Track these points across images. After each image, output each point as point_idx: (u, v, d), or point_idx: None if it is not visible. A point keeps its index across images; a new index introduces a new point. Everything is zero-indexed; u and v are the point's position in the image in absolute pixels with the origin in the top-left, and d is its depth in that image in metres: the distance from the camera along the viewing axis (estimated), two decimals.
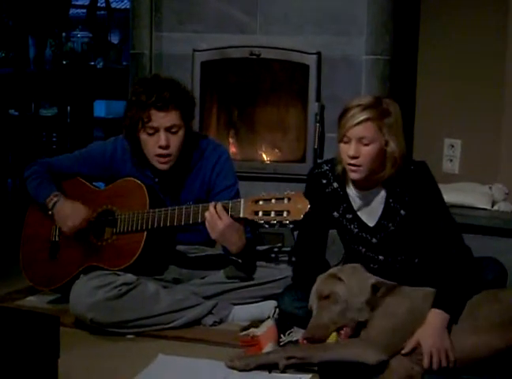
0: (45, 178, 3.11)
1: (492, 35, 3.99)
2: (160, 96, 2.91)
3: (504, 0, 3.95)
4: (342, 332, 2.48)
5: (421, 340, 2.41)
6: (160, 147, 2.94)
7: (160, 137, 2.93)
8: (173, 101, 2.93)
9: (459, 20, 4.07)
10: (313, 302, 2.55)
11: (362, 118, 2.57)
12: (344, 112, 2.61)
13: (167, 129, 2.94)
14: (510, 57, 3.95)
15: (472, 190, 3.88)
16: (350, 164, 2.61)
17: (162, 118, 2.93)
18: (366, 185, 2.70)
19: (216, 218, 2.75)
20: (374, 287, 2.53)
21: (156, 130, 2.94)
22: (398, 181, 2.68)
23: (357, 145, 2.59)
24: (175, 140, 2.96)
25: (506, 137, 3.99)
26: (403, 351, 2.40)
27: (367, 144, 2.59)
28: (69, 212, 3.01)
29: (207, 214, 2.77)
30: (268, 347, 2.63)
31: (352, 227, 2.76)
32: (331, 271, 2.59)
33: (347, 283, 2.50)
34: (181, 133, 2.97)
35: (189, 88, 3.20)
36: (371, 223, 2.74)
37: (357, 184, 2.71)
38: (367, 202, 2.73)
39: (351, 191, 2.74)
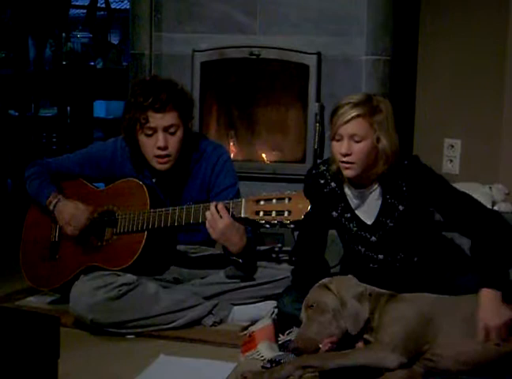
0: (45, 179, 3.11)
1: (492, 35, 3.99)
2: (157, 98, 2.91)
3: (504, 0, 3.95)
4: (326, 340, 2.43)
5: (487, 323, 2.39)
6: (159, 148, 2.95)
7: (159, 138, 2.94)
8: (170, 102, 2.93)
9: (459, 20, 4.07)
10: (302, 312, 2.52)
11: (352, 114, 2.57)
12: (335, 110, 2.62)
13: (165, 130, 2.94)
14: (511, 57, 3.95)
15: (472, 191, 3.84)
16: (343, 162, 2.62)
17: (160, 119, 2.93)
18: (360, 183, 2.71)
19: (216, 217, 2.75)
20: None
21: (154, 131, 2.94)
22: (393, 176, 2.69)
23: (349, 142, 2.59)
24: (174, 141, 2.96)
25: (506, 137, 3.99)
26: (479, 339, 2.38)
27: (358, 141, 2.59)
28: (71, 213, 3.01)
29: (208, 213, 2.76)
30: (262, 344, 2.63)
31: (351, 225, 2.76)
32: (322, 281, 2.55)
33: (336, 292, 2.48)
34: (179, 133, 2.98)
35: (188, 88, 3.20)
36: (369, 221, 2.74)
37: (352, 182, 2.71)
38: (363, 200, 2.73)
39: (347, 190, 2.75)
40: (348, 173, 2.64)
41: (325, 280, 2.54)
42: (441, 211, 2.69)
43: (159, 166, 3.00)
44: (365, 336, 2.47)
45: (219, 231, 2.75)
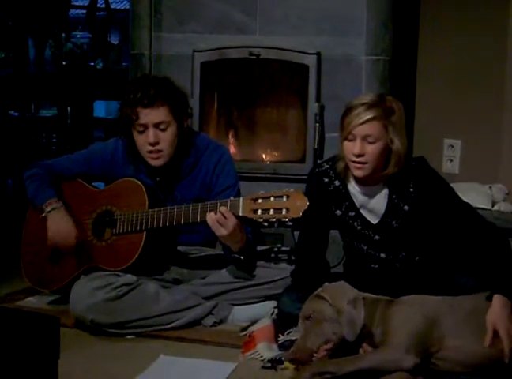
0: (45, 180, 3.10)
1: (492, 35, 3.99)
2: (145, 93, 2.92)
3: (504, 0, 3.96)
4: (322, 348, 2.44)
5: (497, 325, 2.41)
6: (150, 144, 2.95)
7: (149, 134, 2.95)
8: (159, 97, 2.93)
9: (459, 20, 4.07)
10: (299, 323, 2.52)
11: (367, 116, 2.57)
12: (348, 110, 2.61)
13: (156, 126, 2.95)
14: (511, 57, 3.95)
15: (472, 190, 3.88)
16: (355, 162, 2.62)
17: (149, 115, 2.94)
18: (368, 183, 2.71)
19: (223, 220, 2.74)
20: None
21: (146, 127, 2.95)
22: (400, 177, 2.69)
23: (362, 143, 2.59)
24: (165, 137, 2.96)
25: (506, 137, 4.00)
26: (486, 344, 2.39)
27: (372, 142, 2.59)
28: (58, 233, 3.00)
29: (212, 214, 2.75)
30: (262, 345, 2.64)
31: (355, 224, 2.76)
32: (316, 291, 2.54)
33: (330, 301, 2.47)
34: (171, 129, 2.98)
35: (188, 88, 3.19)
36: (374, 221, 2.74)
37: (359, 181, 2.71)
38: (369, 199, 2.73)
39: (352, 188, 2.74)
40: (358, 173, 2.64)
41: (318, 290, 2.54)
42: (442, 217, 2.70)
43: (152, 163, 3.00)
44: (364, 343, 2.47)
45: (227, 232, 2.75)
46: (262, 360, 2.60)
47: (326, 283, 2.57)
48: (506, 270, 2.52)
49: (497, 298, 2.46)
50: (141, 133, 2.97)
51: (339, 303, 2.47)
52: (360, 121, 2.57)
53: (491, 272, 2.53)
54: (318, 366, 2.39)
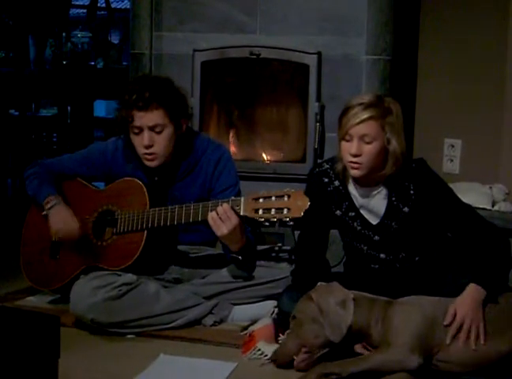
0: (45, 178, 3.11)
1: (492, 34, 3.99)
2: (139, 96, 2.92)
3: (504, 0, 3.96)
4: (303, 349, 2.47)
5: (457, 309, 2.46)
6: (145, 146, 2.95)
7: (144, 137, 2.95)
8: (154, 100, 2.92)
9: (459, 20, 4.07)
10: (290, 323, 2.54)
11: (364, 116, 2.57)
12: (346, 110, 2.61)
13: (151, 129, 2.95)
14: (511, 56, 3.95)
15: (473, 190, 3.87)
16: (351, 162, 2.62)
17: (143, 118, 2.93)
18: (367, 183, 2.71)
19: (225, 217, 2.74)
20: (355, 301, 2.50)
21: (141, 130, 2.95)
22: (400, 178, 2.69)
23: (359, 143, 2.59)
24: (160, 140, 2.96)
25: (507, 137, 3.99)
26: (445, 323, 2.44)
27: (369, 143, 2.59)
28: (62, 223, 3.00)
29: (214, 213, 2.75)
30: (261, 344, 2.64)
31: (355, 224, 2.76)
32: (308, 292, 2.55)
33: (316, 301, 2.48)
34: (166, 132, 2.97)
35: (188, 87, 3.19)
36: (374, 222, 2.74)
37: (358, 181, 2.71)
38: (368, 200, 2.73)
39: (352, 189, 2.75)
40: (355, 173, 2.64)
41: (311, 290, 2.54)
42: (443, 219, 2.70)
43: (147, 164, 3.01)
44: (363, 343, 2.47)
45: (227, 231, 2.75)
46: (265, 356, 2.60)
47: (319, 283, 2.57)
48: (494, 265, 2.55)
49: (471, 287, 2.50)
50: (136, 134, 2.97)
51: (323, 304, 2.46)
52: (357, 120, 2.57)
53: (478, 265, 2.57)
54: (322, 368, 2.40)
